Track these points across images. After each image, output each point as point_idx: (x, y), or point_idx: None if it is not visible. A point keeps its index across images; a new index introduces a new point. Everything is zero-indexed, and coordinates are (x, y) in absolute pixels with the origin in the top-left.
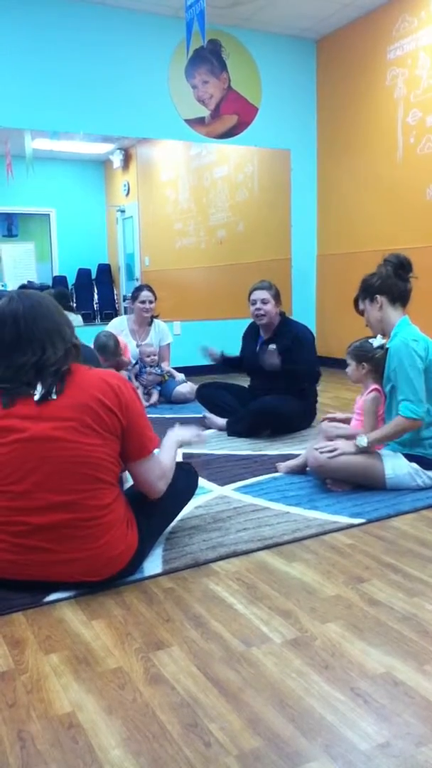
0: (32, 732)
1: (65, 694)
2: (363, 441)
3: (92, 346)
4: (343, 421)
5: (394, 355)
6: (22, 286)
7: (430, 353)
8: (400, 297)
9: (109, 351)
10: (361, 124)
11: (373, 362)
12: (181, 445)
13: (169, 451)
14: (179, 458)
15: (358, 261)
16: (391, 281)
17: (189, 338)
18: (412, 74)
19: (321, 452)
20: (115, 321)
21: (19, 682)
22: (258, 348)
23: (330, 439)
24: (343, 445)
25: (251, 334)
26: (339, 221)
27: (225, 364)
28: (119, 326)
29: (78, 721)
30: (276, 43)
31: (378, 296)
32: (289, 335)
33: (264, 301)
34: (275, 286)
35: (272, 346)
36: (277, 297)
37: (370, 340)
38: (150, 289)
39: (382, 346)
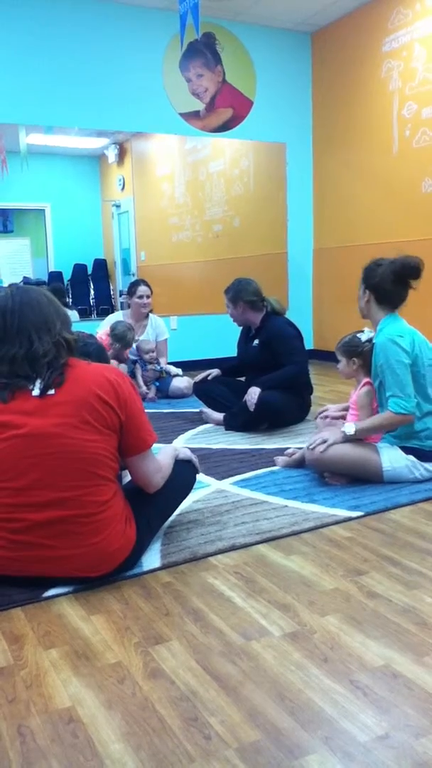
0: (32, 727)
1: (65, 689)
2: (350, 429)
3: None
4: (337, 418)
5: (380, 351)
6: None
7: (416, 347)
8: (389, 301)
9: (126, 342)
10: (357, 117)
11: (363, 356)
12: (177, 456)
13: (167, 451)
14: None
15: (354, 254)
16: (387, 286)
17: (186, 333)
18: (408, 66)
19: (311, 448)
20: (111, 317)
21: (19, 677)
22: (244, 341)
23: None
24: (330, 435)
25: (244, 331)
26: (335, 215)
27: (227, 372)
28: None
29: (78, 715)
30: (271, 36)
31: (368, 291)
32: (266, 332)
33: (227, 306)
34: (237, 287)
35: (254, 389)
36: (235, 300)
37: (359, 335)
38: (146, 284)
39: (370, 340)
